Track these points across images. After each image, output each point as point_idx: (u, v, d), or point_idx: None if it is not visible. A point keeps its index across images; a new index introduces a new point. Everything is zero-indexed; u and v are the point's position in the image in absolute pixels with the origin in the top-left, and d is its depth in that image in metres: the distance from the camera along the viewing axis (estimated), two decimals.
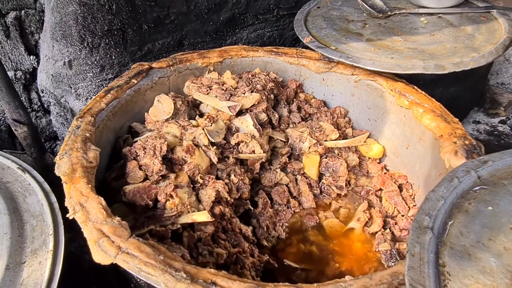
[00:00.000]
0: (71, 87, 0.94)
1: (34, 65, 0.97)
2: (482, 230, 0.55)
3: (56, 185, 0.69)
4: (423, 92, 0.88)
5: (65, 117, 1.01)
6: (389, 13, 1.12)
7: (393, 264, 0.80)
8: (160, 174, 0.70)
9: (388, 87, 0.93)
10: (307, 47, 1.04)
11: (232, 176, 0.80)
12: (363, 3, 1.15)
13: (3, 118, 1.01)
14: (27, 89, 1.00)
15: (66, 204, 0.56)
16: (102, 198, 0.57)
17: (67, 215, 0.55)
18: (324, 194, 0.94)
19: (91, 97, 0.95)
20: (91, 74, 0.93)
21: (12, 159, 0.72)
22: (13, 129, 0.86)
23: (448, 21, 1.08)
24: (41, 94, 1.01)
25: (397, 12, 1.13)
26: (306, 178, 0.94)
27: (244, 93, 0.89)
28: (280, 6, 1.20)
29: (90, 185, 0.60)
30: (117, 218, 0.55)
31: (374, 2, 1.16)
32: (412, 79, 0.92)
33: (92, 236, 0.52)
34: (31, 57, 0.96)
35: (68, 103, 0.96)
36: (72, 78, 0.92)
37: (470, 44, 0.96)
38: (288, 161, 0.94)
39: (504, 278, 0.48)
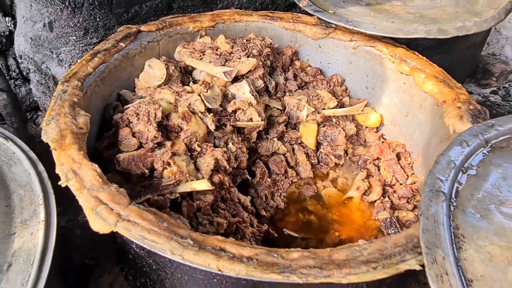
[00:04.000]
0: (52, 52, 0.87)
1: (10, 28, 0.89)
2: (493, 192, 0.54)
3: (42, 158, 0.64)
4: (424, 57, 0.86)
5: (46, 85, 0.94)
6: None
7: (393, 232, 0.80)
8: (155, 142, 0.66)
9: (388, 53, 0.90)
10: (303, 12, 0.99)
11: (230, 145, 0.76)
12: None
13: None
14: (3, 55, 0.92)
15: (57, 171, 0.52)
16: (96, 165, 0.53)
17: (59, 183, 0.51)
18: (321, 164, 0.93)
19: (74, 63, 0.89)
20: (74, 38, 0.86)
21: None
22: None
23: None
24: (20, 61, 0.93)
25: None
26: (304, 148, 0.92)
27: (239, 58, 0.85)
28: None
29: (82, 152, 0.55)
30: (114, 185, 0.51)
31: None
32: (410, 46, 0.90)
33: (89, 204, 0.48)
34: (7, 19, 0.88)
35: (49, 69, 0.90)
36: (53, 41, 0.86)
37: (472, 8, 0.94)
38: (285, 130, 0.91)
39: None
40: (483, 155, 0.60)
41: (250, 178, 0.82)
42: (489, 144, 0.62)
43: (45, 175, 0.59)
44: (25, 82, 0.98)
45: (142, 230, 0.45)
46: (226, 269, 0.42)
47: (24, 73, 0.96)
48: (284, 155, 0.89)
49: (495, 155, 0.60)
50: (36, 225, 0.52)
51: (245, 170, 0.81)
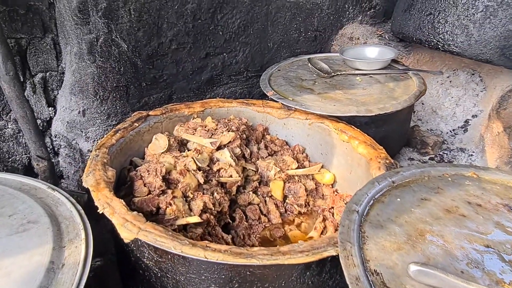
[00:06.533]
0: (82, 131, 1.16)
1: (51, 115, 1.19)
2: (392, 212, 0.79)
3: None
4: (358, 129, 1.17)
5: (73, 157, 1.21)
6: (333, 74, 1.46)
7: None
8: (161, 189, 0.91)
9: (333, 127, 1.21)
10: (271, 100, 1.33)
11: (215, 194, 1.02)
12: (313, 67, 1.48)
13: (20, 159, 1.21)
14: (42, 135, 1.21)
15: (96, 203, 0.77)
16: (122, 200, 0.78)
17: (98, 211, 0.75)
18: (288, 212, 1.17)
19: (98, 139, 1.18)
20: (99, 121, 1.16)
21: (41, 182, 0.91)
22: (34, 164, 1.06)
23: (377, 79, 1.42)
24: (54, 139, 1.22)
25: (339, 73, 1.46)
26: (273, 199, 1.17)
27: (222, 133, 1.15)
28: (248, 69, 1.52)
29: (112, 192, 0.81)
30: (135, 212, 0.76)
31: (322, 66, 1.50)
32: (350, 122, 1.21)
33: (119, 222, 0.72)
34: (50, 108, 1.18)
35: (78, 144, 1.18)
36: (84, 124, 1.15)
37: (391, 95, 1.28)
38: (258, 186, 1.17)
39: (402, 237, 0.72)
40: (389, 190, 0.87)
41: (231, 222, 1.06)
42: (395, 184, 0.89)
43: (82, 211, 0.83)
44: (55, 156, 1.26)
45: (155, 236, 0.69)
46: (210, 257, 0.66)
47: (56, 149, 1.24)
48: (258, 205, 1.14)
49: (397, 190, 0.87)
50: (79, 242, 0.75)
51: (227, 215, 1.06)
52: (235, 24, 1.37)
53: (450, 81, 1.89)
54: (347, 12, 1.75)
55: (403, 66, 1.52)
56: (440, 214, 0.78)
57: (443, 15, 1.45)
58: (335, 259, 0.72)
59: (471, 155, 1.61)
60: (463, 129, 1.79)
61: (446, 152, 1.67)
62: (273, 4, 1.45)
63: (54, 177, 1.08)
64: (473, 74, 1.84)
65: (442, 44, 1.48)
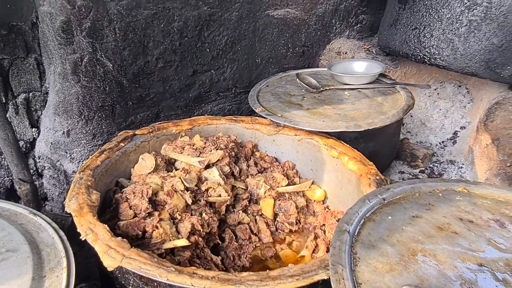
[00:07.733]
0: (66, 152, 1.13)
1: (34, 136, 1.17)
2: (383, 231, 0.78)
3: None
4: (347, 145, 1.16)
5: (57, 179, 1.18)
6: (321, 89, 1.45)
7: None
8: (147, 212, 0.89)
9: (322, 143, 1.20)
10: (259, 116, 1.32)
11: (204, 214, 0.99)
12: (301, 83, 1.48)
13: (3, 182, 1.17)
14: (26, 156, 1.18)
15: (78, 230, 0.74)
16: (106, 225, 0.76)
17: (80, 237, 0.73)
18: (279, 231, 1.15)
19: (83, 160, 1.15)
20: (85, 141, 1.13)
21: (22, 207, 0.89)
22: (17, 187, 1.03)
23: (365, 94, 1.42)
24: (37, 160, 1.18)
25: (327, 88, 1.46)
26: (264, 218, 1.15)
27: (210, 151, 1.13)
28: (237, 86, 1.51)
29: (95, 217, 0.78)
30: (119, 237, 0.73)
31: (310, 81, 1.50)
32: (340, 137, 1.20)
33: (102, 249, 0.69)
34: (33, 129, 1.16)
35: (62, 166, 1.15)
36: (69, 144, 1.12)
37: (380, 110, 1.28)
38: (248, 204, 1.15)
39: (395, 257, 0.70)
40: (380, 208, 0.86)
41: (220, 242, 1.03)
42: (386, 201, 0.88)
43: (65, 238, 0.80)
44: (39, 178, 1.22)
45: (139, 263, 0.66)
46: (197, 284, 0.63)
47: (40, 170, 1.21)
48: (248, 224, 1.12)
49: (388, 207, 0.86)
50: (60, 271, 0.72)
51: (216, 236, 1.03)
52: (222, 41, 1.37)
53: (438, 93, 1.91)
54: (334, 27, 1.76)
55: (391, 80, 1.53)
56: (432, 232, 0.77)
57: (428, 29, 1.47)
58: (326, 282, 0.70)
59: (461, 167, 1.61)
60: (452, 141, 1.80)
61: (436, 164, 1.67)
62: (260, 21, 1.45)
63: (37, 201, 1.04)
64: (460, 86, 1.86)
65: (428, 58, 1.50)
